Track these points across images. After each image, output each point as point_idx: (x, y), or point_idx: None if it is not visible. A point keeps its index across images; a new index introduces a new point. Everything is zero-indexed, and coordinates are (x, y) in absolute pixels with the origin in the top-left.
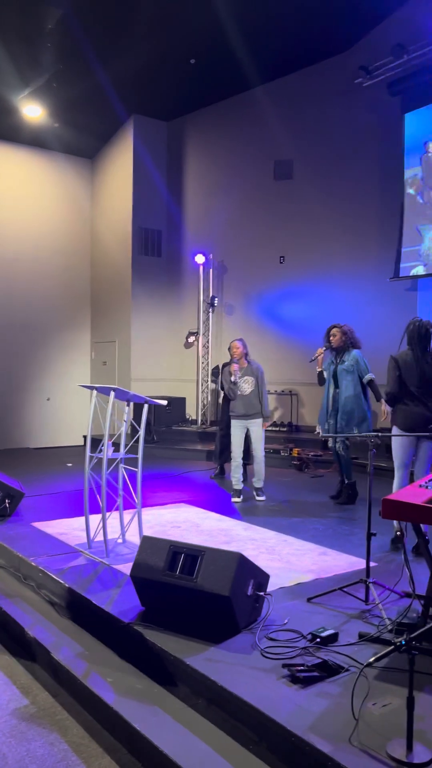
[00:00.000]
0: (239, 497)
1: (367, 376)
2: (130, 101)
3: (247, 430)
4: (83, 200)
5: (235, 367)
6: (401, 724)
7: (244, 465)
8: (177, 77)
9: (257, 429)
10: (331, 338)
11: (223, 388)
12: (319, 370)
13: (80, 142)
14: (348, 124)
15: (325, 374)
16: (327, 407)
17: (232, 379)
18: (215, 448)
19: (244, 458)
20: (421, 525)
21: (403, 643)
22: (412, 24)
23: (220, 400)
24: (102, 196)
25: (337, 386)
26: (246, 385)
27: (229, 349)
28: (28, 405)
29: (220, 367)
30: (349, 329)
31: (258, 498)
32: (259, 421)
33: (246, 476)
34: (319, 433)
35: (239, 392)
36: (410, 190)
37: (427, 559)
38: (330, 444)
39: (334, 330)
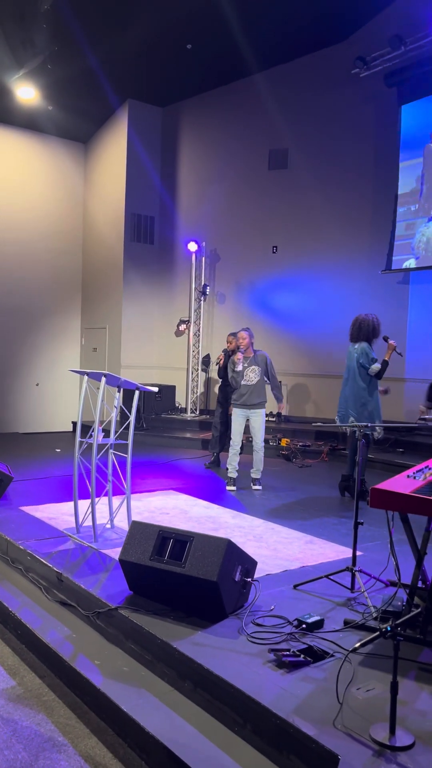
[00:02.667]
0: (234, 486)
1: (372, 368)
2: (125, 86)
3: (248, 419)
4: (76, 185)
5: (239, 356)
6: (384, 709)
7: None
8: (173, 62)
9: (258, 419)
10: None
11: (221, 376)
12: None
13: (74, 125)
14: (344, 115)
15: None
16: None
17: (237, 368)
18: (212, 436)
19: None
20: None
21: (389, 629)
22: (410, 16)
23: (216, 390)
24: (95, 181)
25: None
26: (252, 375)
27: (235, 337)
28: (17, 390)
29: (221, 356)
30: (364, 318)
31: (254, 488)
32: (261, 411)
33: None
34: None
35: (245, 381)
36: (405, 183)
37: (412, 548)
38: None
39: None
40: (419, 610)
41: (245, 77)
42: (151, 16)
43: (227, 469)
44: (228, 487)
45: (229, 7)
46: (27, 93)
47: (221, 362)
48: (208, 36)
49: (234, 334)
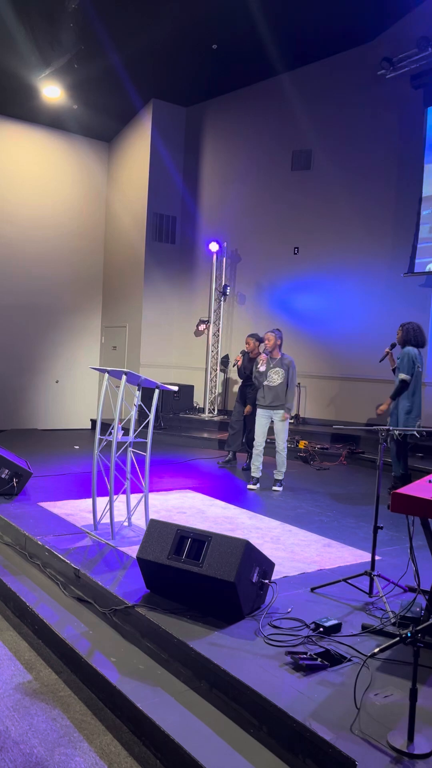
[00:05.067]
0: (256, 485)
1: (401, 375)
2: (149, 85)
3: (271, 420)
4: (99, 184)
5: (263, 357)
6: (402, 716)
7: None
8: (198, 62)
9: (281, 420)
10: (397, 335)
11: (241, 376)
12: (393, 367)
13: (98, 124)
14: (369, 116)
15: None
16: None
17: (260, 368)
18: (228, 435)
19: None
20: (429, 520)
21: (409, 635)
22: None
23: (235, 389)
24: (118, 181)
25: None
26: (276, 376)
27: (253, 338)
28: (37, 387)
29: (239, 357)
30: (411, 326)
31: (275, 489)
32: (284, 413)
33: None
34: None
35: (267, 382)
36: (429, 185)
37: None
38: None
39: (399, 328)
40: None
41: (270, 78)
42: (176, 16)
43: (250, 468)
44: (250, 486)
45: (255, 8)
46: (53, 92)
47: (239, 364)
48: (234, 36)
49: (253, 336)
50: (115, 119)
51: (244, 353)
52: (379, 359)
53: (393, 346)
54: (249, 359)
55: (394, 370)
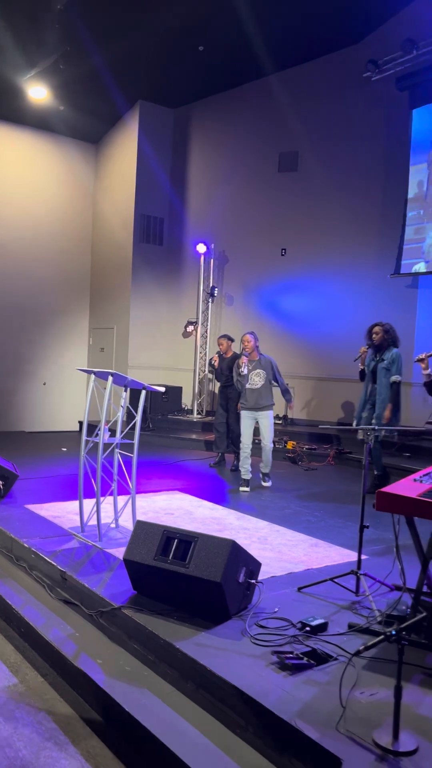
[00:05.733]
0: (247, 487)
1: (394, 377)
2: (136, 87)
3: (257, 421)
4: (86, 185)
5: (243, 359)
6: (388, 713)
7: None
8: (184, 64)
9: (266, 420)
10: (373, 336)
11: (219, 379)
12: (362, 368)
13: (85, 125)
14: (355, 118)
15: (366, 371)
16: (363, 401)
17: (242, 371)
18: (215, 438)
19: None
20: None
21: (394, 633)
22: (422, 20)
23: (216, 390)
24: (105, 182)
25: (374, 382)
26: (257, 378)
27: (226, 339)
28: (24, 389)
29: (217, 358)
30: (390, 327)
31: (264, 483)
32: (269, 413)
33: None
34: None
35: (249, 385)
36: (414, 187)
37: (418, 552)
38: (360, 436)
39: (376, 328)
40: (424, 614)
41: (257, 79)
42: (163, 17)
43: (239, 471)
44: (242, 489)
45: (242, 10)
46: (39, 93)
47: (216, 364)
48: (220, 38)
49: (225, 336)
50: (102, 120)
51: (220, 354)
52: (354, 358)
53: (369, 345)
54: (222, 360)
55: (362, 372)
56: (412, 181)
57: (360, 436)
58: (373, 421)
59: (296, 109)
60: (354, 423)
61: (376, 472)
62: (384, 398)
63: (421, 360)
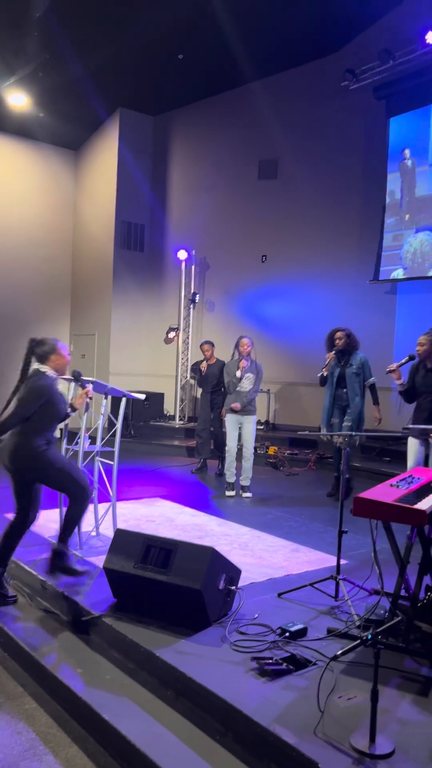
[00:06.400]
0: (233, 491)
1: (371, 380)
2: (116, 94)
3: (240, 425)
4: (67, 192)
5: (244, 363)
6: (365, 717)
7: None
8: (164, 72)
9: (249, 426)
10: (336, 341)
11: (202, 385)
12: (325, 374)
13: (65, 132)
14: (334, 126)
15: (330, 377)
16: (329, 407)
17: (238, 374)
18: (196, 443)
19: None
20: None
21: (369, 637)
22: (399, 30)
23: (199, 396)
24: (85, 189)
25: (342, 387)
26: (247, 382)
27: (211, 346)
28: (4, 396)
29: (205, 365)
30: (351, 332)
31: (244, 495)
32: (253, 418)
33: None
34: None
35: (239, 388)
36: (391, 194)
37: (395, 557)
38: (338, 442)
39: (338, 333)
40: (400, 618)
41: (236, 87)
42: (143, 25)
43: (222, 474)
44: (227, 492)
45: (221, 18)
46: (18, 100)
47: (204, 370)
48: (200, 46)
49: (208, 342)
50: (82, 127)
51: (206, 360)
52: (321, 366)
53: (334, 351)
54: (209, 366)
55: (323, 377)
56: (389, 188)
57: (338, 442)
58: (345, 424)
59: (276, 117)
60: (323, 429)
61: (347, 476)
62: (357, 403)
63: (393, 371)
